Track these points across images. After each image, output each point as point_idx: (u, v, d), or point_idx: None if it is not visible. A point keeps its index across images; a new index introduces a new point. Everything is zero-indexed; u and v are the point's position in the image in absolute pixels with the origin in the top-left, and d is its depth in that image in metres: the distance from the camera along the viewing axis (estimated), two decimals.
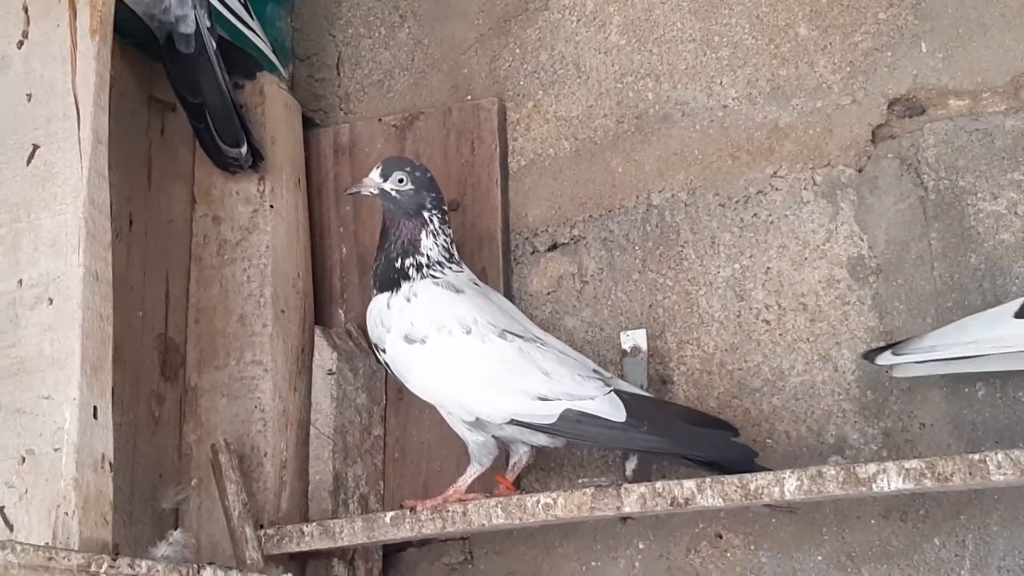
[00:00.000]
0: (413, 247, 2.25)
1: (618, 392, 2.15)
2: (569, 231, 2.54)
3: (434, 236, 2.26)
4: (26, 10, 2.06)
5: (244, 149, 2.39)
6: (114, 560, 1.81)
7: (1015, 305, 2.06)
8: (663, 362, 2.40)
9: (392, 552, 2.47)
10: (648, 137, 2.52)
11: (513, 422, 2.17)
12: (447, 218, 2.29)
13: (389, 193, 2.26)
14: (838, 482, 1.96)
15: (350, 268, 2.61)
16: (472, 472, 2.22)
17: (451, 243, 2.29)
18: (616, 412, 2.12)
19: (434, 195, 2.28)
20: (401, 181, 2.26)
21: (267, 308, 2.40)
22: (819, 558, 2.25)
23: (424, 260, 2.25)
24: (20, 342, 1.92)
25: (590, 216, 2.53)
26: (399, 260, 2.25)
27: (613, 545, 2.36)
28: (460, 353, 2.19)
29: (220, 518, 2.25)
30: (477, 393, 2.18)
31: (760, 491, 2.00)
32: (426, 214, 2.26)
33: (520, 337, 2.21)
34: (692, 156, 2.49)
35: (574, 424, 2.14)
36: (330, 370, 2.44)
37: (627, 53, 2.58)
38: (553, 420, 2.14)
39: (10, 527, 1.83)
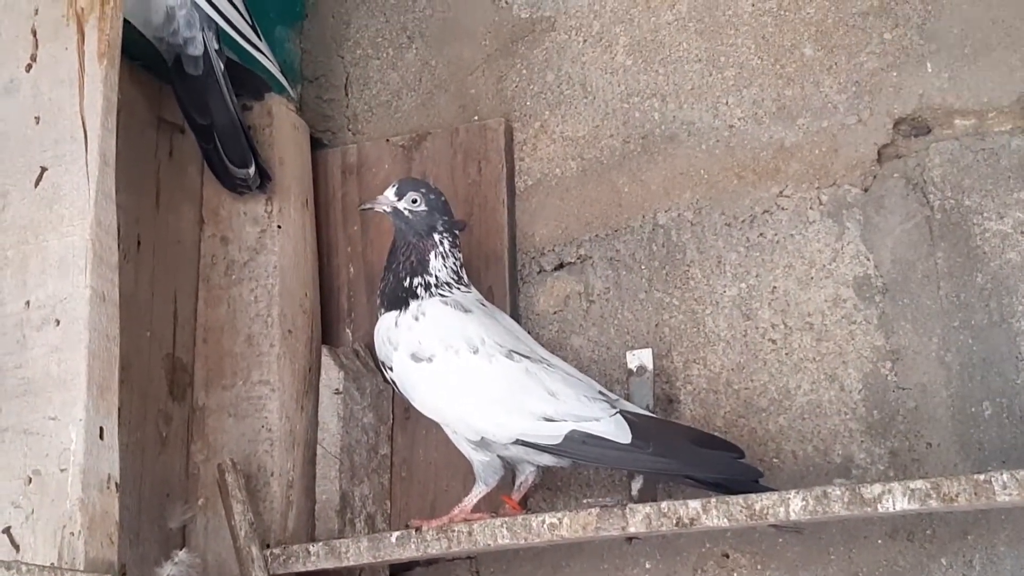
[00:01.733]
0: (422, 267, 2.26)
1: (623, 413, 2.15)
2: (575, 251, 2.54)
3: (443, 258, 2.27)
4: (35, 33, 2.07)
5: (252, 170, 2.41)
6: None
7: None
8: (669, 381, 2.40)
9: (399, 571, 2.47)
10: (654, 157, 2.53)
11: (519, 442, 2.17)
12: (458, 242, 2.30)
13: (402, 212, 2.28)
14: (843, 502, 1.96)
15: (358, 288, 2.62)
16: (477, 492, 2.22)
17: (460, 266, 2.30)
18: (621, 433, 2.13)
19: (446, 218, 2.29)
20: (415, 202, 2.27)
21: (274, 328, 2.41)
22: None
23: (432, 280, 2.26)
24: (27, 363, 1.93)
25: (596, 235, 2.53)
26: (407, 279, 2.26)
27: (620, 565, 2.36)
28: (467, 372, 2.19)
29: (227, 538, 2.25)
30: (483, 413, 2.18)
31: (765, 511, 2.00)
32: (437, 236, 2.27)
33: (527, 358, 2.21)
34: (698, 176, 2.49)
35: (579, 445, 2.14)
36: (337, 389, 2.44)
37: (633, 73, 2.59)
38: (559, 441, 2.14)
39: (16, 547, 1.83)
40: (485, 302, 2.32)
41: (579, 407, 2.15)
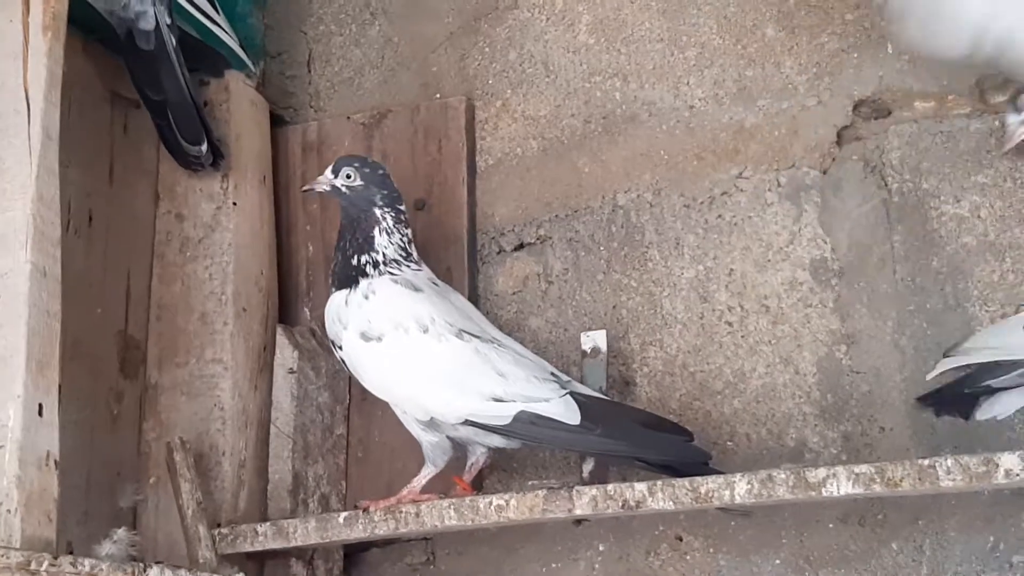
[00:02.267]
0: (367, 244, 2.23)
1: (574, 395, 2.13)
2: (535, 231, 2.52)
3: (388, 234, 2.24)
4: None
5: (204, 147, 2.38)
6: (55, 559, 1.79)
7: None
8: (626, 363, 2.39)
9: (354, 552, 2.46)
10: (615, 137, 2.51)
11: (468, 423, 2.15)
12: (404, 217, 2.27)
13: (339, 189, 2.25)
14: (788, 486, 1.94)
15: (316, 266, 2.60)
16: (426, 473, 2.21)
17: (408, 242, 2.27)
18: (571, 415, 2.11)
19: (386, 192, 2.26)
20: (349, 177, 2.24)
21: (228, 306, 2.39)
22: (777, 562, 2.23)
23: (380, 258, 2.23)
24: None
25: (556, 216, 2.51)
26: (355, 257, 2.23)
27: (573, 547, 2.36)
28: (416, 352, 2.17)
29: (177, 517, 2.24)
30: (432, 392, 2.16)
31: (711, 494, 1.98)
32: (378, 211, 2.24)
33: (477, 337, 2.19)
34: (658, 157, 2.47)
35: (528, 426, 2.12)
36: (291, 368, 2.43)
37: (595, 53, 2.56)
38: (507, 421, 2.13)
39: None
40: (437, 280, 2.30)
41: (528, 388, 2.13)
